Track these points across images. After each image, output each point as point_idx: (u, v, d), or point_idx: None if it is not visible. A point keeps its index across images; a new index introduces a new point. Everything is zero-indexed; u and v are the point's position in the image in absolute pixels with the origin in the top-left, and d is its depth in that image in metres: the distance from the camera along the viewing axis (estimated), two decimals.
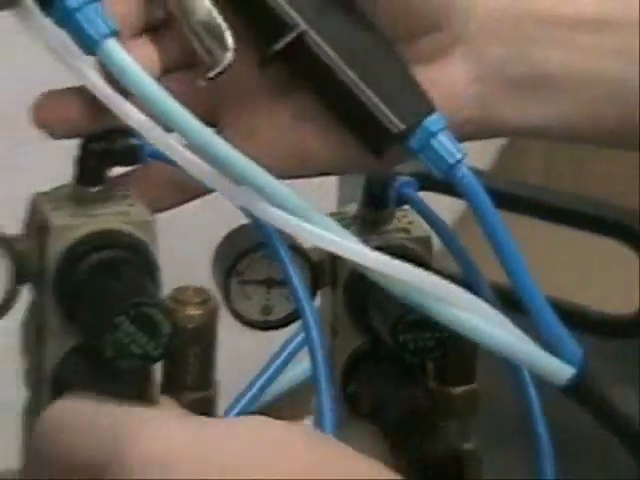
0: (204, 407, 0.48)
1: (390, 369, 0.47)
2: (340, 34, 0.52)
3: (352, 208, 0.50)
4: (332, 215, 0.49)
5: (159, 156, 0.45)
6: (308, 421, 0.53)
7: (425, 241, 0.47)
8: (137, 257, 0.44)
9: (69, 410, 0.47)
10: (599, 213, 0.52)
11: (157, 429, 0.45)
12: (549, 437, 0.48)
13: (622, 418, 0.59)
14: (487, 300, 0.48)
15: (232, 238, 0.47)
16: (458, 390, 0.49)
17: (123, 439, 0.44)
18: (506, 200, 0.54)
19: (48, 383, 0.46)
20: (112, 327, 0.42)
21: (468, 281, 0.50)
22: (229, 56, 0.48)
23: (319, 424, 0.44)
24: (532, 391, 0.49)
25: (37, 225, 0.44)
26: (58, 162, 0.44)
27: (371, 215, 0.49)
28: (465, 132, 0.56)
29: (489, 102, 0.59)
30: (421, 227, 0.48)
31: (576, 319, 0.51)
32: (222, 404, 0.50)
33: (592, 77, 0.59)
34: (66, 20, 0.47)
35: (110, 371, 0.44)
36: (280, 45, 0.48)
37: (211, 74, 0.48)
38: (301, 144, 0.52)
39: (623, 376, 0.57)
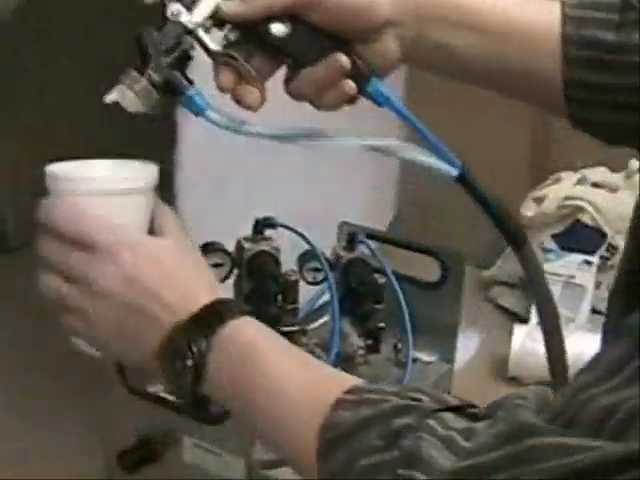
0: (295, 313, 1.18)
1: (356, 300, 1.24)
2: None
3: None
4: None
5: None
6: (327, 317, 1.28)
7: None
8: (273, 258, 1.14)
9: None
10: None
11: (142, 240, 0.80)
12: None
13: (497, 203, 0.89)
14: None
15: (302, 255, 1.21)
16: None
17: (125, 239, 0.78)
18: None
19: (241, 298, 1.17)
20: (263, 283, 1.17)
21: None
22: None
23: (331, 317, 1.17)
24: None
25: (239, 248, 1.21)
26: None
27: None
28: (395, 61, 0.87)
29: (409, 47, 0.87)
30: None
31: (412, 280, 1.24)
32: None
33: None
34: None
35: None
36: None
37: None
38: None
39: None
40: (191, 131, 1.24)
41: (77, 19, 1.91)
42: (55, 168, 0.84)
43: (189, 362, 0.75)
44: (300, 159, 1.43)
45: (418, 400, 0.65)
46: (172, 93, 0.85)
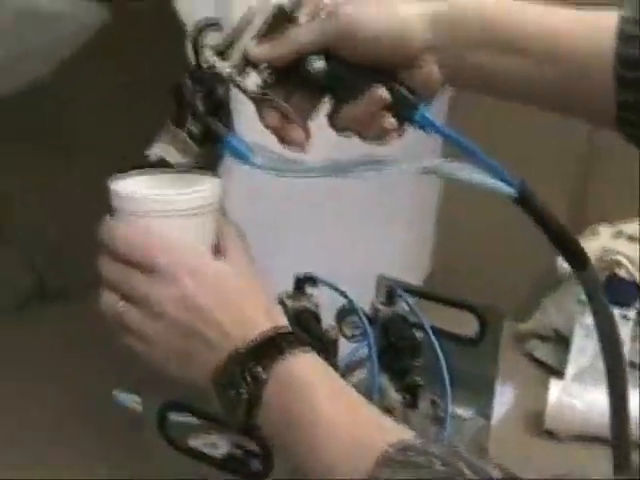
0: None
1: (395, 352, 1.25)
2: None
3: None
4: None
5: None
6: (365, 371, 1.29)
7: None
8: (314, 315, 1.22)
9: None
10: None
11: (204, 263, 0.79)
12: None
13: (558, 222, 0.86)
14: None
15: (341, 310, 1.24)
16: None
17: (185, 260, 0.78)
18: None
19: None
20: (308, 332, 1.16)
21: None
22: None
23: (370, 372, 1.19)
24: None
25: (280, 304, 1.22)
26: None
27: None
28: (437, 86, 0.86)
29: (451, 71, 0.86)
30: None
31: (450, 336, 1.24)
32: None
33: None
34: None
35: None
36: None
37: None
38: None
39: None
40: (232, 188, 1.26)
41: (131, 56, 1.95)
42: (119, 185, 0.83)
43: (244, 393, 0.75)
44: (337, 214, 1.44)
45: (460, 472, 0.65)
46: (212, 141, 0.85)
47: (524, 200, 0.84)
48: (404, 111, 0.86)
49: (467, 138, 0.85)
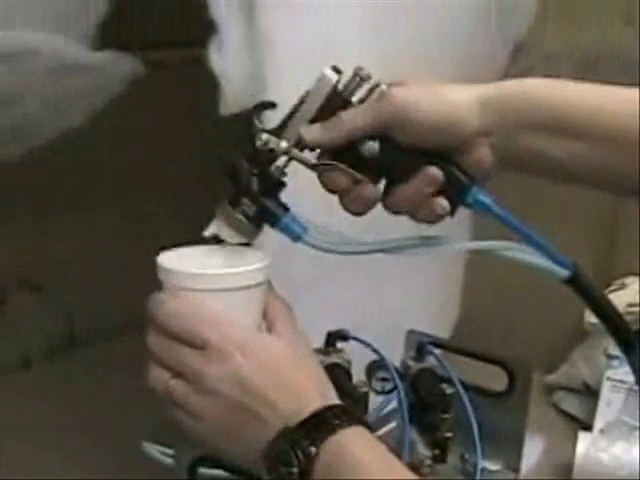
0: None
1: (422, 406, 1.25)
2: None
3: None
4: None
5: None
6: (393, 424, 1.30)
7: None
8: (344, 370, 1.15)
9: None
10: None
11: (253, 338, 0.80)
12: None
13: (609, 305, 0.88)
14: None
15: (371, 365, 1.24)
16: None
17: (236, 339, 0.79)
18: None
19: None
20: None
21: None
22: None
23: (400, 427, 1.18)
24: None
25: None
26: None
27: None
28: (490, 168, 0.87)
29: (503, 154, 0.86)
30: None
31: (479, 390, 1.21)
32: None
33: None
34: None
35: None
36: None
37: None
38: None
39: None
40: (263, 246, 1.27)
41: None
42: (166, 260, 0.84)
43: (295, 470, 0.76)
44: (366, 269, 1.45)
45: None
46: (267, 222, 0.87)
47: (575, 282, 0.87)
48: (456, 193, 0.87)
49: (518, 218, 0.86)
